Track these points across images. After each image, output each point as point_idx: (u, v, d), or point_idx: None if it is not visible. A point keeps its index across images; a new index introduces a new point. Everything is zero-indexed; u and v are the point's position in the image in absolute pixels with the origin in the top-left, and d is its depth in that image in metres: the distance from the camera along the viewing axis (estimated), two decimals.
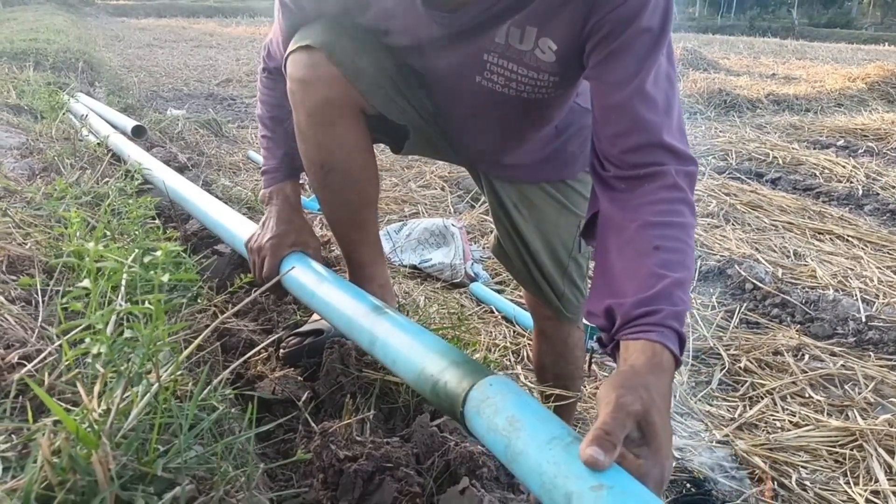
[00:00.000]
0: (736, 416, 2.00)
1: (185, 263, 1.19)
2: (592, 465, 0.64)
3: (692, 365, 2.26)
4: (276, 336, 1.17)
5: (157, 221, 1.68)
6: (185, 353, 0.70)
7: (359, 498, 0.94)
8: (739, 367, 2.23)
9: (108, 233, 1.13)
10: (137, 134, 3.18)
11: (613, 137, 0.97)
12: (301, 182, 1.45)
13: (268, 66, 1.35)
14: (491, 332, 2.43)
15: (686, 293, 0.87)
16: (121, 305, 0.64)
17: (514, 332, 2.44)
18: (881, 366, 2.23)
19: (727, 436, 1.89)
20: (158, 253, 0.64)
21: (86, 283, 0.61)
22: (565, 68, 1.08)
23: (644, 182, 0.93)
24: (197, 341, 0.69)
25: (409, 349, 0.97)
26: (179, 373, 0.74)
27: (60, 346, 0.79)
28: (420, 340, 0.98)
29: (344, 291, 1.15)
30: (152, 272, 0.63)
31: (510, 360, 2.26)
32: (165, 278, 0.62)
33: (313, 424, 1.09)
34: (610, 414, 0.68)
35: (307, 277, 1.23)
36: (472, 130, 1.30)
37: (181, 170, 2.51)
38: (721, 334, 2.44)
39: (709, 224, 3.48)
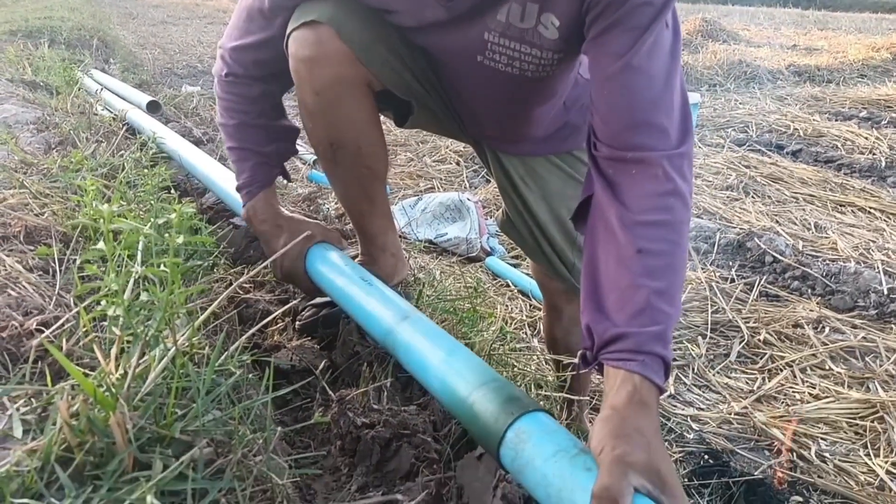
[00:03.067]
0: (755, 388, 1.98)
1: (200, 230, 1.19)
2: None
3: (710, 338, 2.25)
4: (293, 304, 1.17)
5: (173, 194, 1.68)
6: (202, 317, 0.70)
7: (376, 464, 0.94)
8: (759, 340, 2.21)
9: (125, 202, 1.13)
10: (152, 109, 3.18)
11: (606, 113, 0.94)
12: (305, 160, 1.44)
13: (232, 71, 1.28)
14: (507, 306, 2.43)
15: (672, 301, 0.84)
16: (137, 270, 0.63)
17: (530, 305, 2.43)
18: None
19: (745, 408, 1.88)
20: (173, 216, 0.64)
21: (101, 245, 0.61)
22: (568, 45, 1.05)
23: (632, 168, 0.90)
24: (214, 305, 0.69)
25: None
26: (196, 338, 0.74)
27: (78, 313, 0.79)
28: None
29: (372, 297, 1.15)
30: (167, 234, 0.63)
31: (526, 334, 2.25)
32: (180, 240, 0.61)
33: (331, 392, 1.09)
34: (608, 468, 0.67)
35: (335, 278, 1.23)
36: (478, 109, 1.29)
37: (196, 144, 2.51)
38: (740, 307, 2.41)
39: (728, 197, 3.43)
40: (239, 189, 1.35)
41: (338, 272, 1.22)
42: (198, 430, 0.66)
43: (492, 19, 1.05)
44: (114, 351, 0.63)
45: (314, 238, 1.31)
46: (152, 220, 0.67)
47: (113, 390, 0.63)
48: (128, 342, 0.66)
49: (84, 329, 0.77)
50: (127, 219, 0.78)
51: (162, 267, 0.62)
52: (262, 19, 1.21)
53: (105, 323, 0.69)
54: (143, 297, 0.63)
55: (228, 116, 1.31)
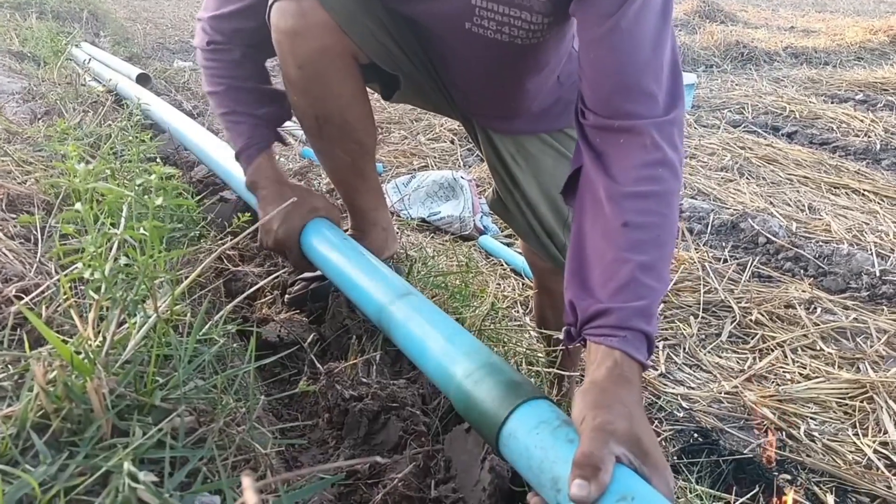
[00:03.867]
0: (745, 367, 1.98)
1: (185, 199, 1.16)
2: (581, 501, 0.60)
3: (702, 317, 2.24)
4: (280, 273, 1.15)
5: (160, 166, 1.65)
6: (186, 282, 0.68)
7: (364, 436, 0.93)
8: (750, 320, 2.21)
9: (109, 171, 1.11)
10: (142, 82, 3.14)
11: (593, 77, 0.91)
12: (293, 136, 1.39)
13: (213, 39, 1.25)
14: (500, 284, 2.42)
15: (658, 276, 0.82)
16: (116, 232, 0.61)
17: (522, 284, 2.42)
18: (894, 319, 2.20)
19: (736, 387, 1.88)
20: (153, 177, 0.62)
21: (78, 206, 0.59)
22: (558, 6, 1.02)
23: (619, 137, 0.87)
24: (198, 270, 0.67)
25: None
26: (178, 305, 0.72)
27: (59, 280, 0.77)
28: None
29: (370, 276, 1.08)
30: (147, 197, 0.61)
31: (518, 312, 2.24)
32: (160, 201, 0.59)
33: (319, 365, 1.08)
34: (588, 436, 0.66)
35: (331, 253, 1.16)
36: (467, 81, 1.25)
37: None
38: (733, 287, 2.41)
39: (723, 178, 3.42)
40: (238, 154, 1.30)
41: (335, 249, 1.16)
42: (179, 398, 0.64)
43: None
44: (91, 316, 0.61)
45: (318, 211, 1.25)
46: (132, 182, 0.65)
47: (91, 356, 0.61)
48: (107, 308, 0.64)
49: (64, 295, 0.75)
50: (108, 182, 0.75)
51: (142, 231, 0.60)
52: None
53: (86, 288, 0.67)
54: (122, 260, 0.61)
55: (216, 83, 1.28)
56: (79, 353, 0.63)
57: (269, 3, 1.11)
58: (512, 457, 0.72)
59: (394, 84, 1.21)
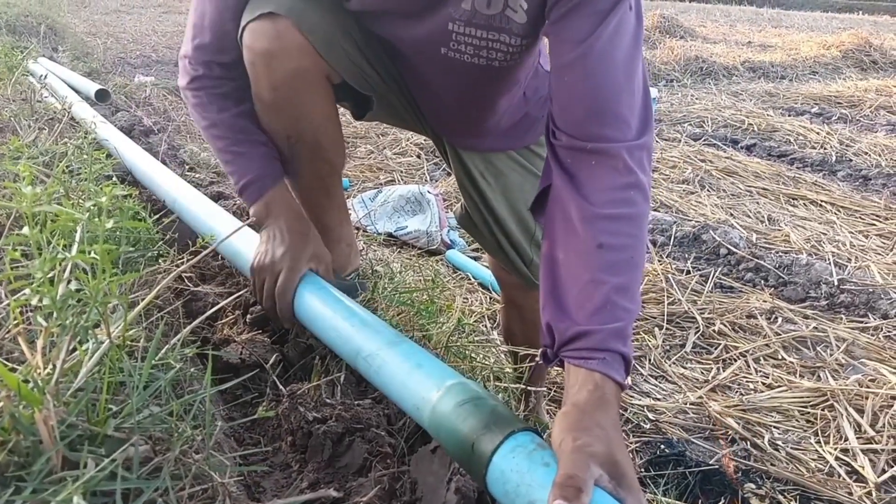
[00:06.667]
0: (710, 378, 2.00)
1: (140, 220, 1.14)
2: None
3: (667, 329, 2.27)
4: (241, 293, 1.13)
5: (118, 184, 1.61)
6: (140, 307, 0.66)
7: (328, 459, 0.91)
8: (713, 331, 2.24)
9: (63, 190, 1.08)
10: (101, 98, 3.08)
11: (566, 101, 0.92)
12: None
13: (198, 74, 1.16)
14: (467, 299, 2.41)
15: (632, 297, 0.83)
16: (65, 256, 0.59)
17: (490, 298, 2.42)
18: (852, 328, 2.25)
19: (701, 398, 1.90)
20: (103, 199, 0.60)
21: (25, 230, 0.57)
22: (535, 28, 1.03)
23: (591, 159, 0.88)
24: (153, 294, 0.65)
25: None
26: (133, 330, 0.70)
27: (7, 306, 0.75)
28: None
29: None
30: (97, 220, 0.59)
31: (486, 327, 2.24)
32: (110, 224, 0.58)
33: (281, 387, 1.06)
34: (569, 458, 0.66)
35: (322, 310, 1.04)
36: (441, 103, 1.25)
37: (146, 133, 2.43)
38: (696, 298, 2.44)
39: (684, 190, 3.47)
40: (244, 188, 1.16)
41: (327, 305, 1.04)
42: (133, 427, 0.62)
43: (455, 8, 1.01)
44: (39, 343, 0.59)
45: (317, 260, 1.14)
46: (83, 204, 0.63)
47: (40, 385, 0.59)
48: (57, 335, 0.62)
49: (14, 321, 0.72)
50: (62, 205, 0.73)
51: (92, 254, 0.59)
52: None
53: (33, 315, 0.65)
54: (73, 285, 0.59)
55: (208, 117, 1.17)
56: (27, 381, 0.60)
57: (242, 24, 1.09)
58: (488, 482, 0.71)
59: (366, 104, 1.21)
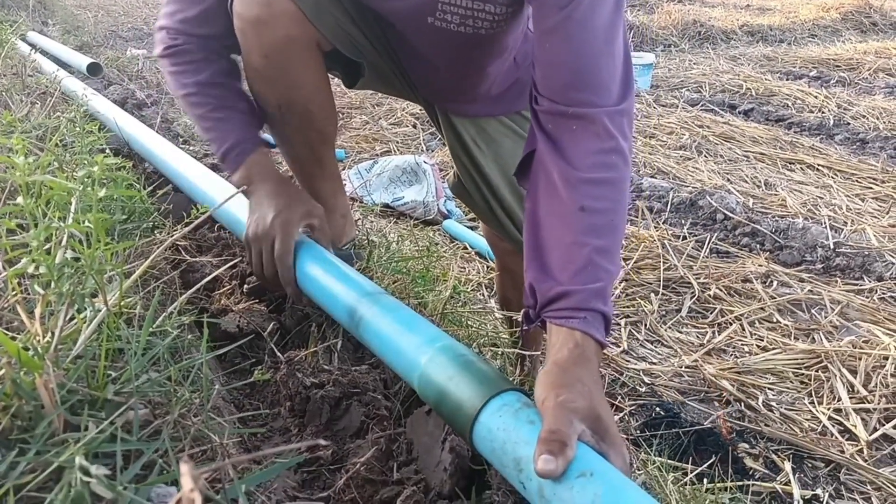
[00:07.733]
0: (705, 341, 2.03)
1: (134, 190, 1.14)
2: (548, 475, 0.62)
3: (663, 294, 2.28)
4: (236, 261, 1.14)
5: (112, 157, 1.61)
6: (135, 275, 0.67)
7: (326, 422, 0.93)
8: (709, 295, 2.26)
9: (57, 163, 1.08)
10: (93, 72, 3.06)
11: (547, 67, 0.93)
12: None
13: (174, 43, 1.16)
14: (464, 268, 2.43)
15: (612, 259, 0.85)
16: (60, 225, 0.60)
17: (487, 267, 2.44)
18: (847, 290, 2.27)
19: (696, 361, 1.92)
20: (95, 168, 0.61)
21: (20, 200, 0.58)
22: None
23: (573, 124, 0.89)
24: (147, 262, 0.66)
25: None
26: (130, 299, 0.71)
27: (5, 276, 0.76)
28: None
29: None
30: (90, 189, 0.60)
31: (483, 295, 2.26)
32: (102, 193, 0.58)
33: (279, 354, 1.07)
34: (552, 413, 0.67)
35: (320, 273, 1.04)
36: (430, 70, 1.26)
37: (139, 106, 2.41)
38: (692, 263, 2.45)
39: (681, 156, 3.47)
40: (226, 154, 1.16)
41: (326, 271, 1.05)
42: (132, 391, 0.64)
43: None
44: (38, 311, 0.60)
45: (312, 217, 1.14)
46: (76, 174, 0.64)
47: (40, 352, 0.60)
48: (54, 303, 0.63)
49: (12, 291, 0.73)
50: (56, 176, 0.74)
51: (87, 223, 0.59)
52: None
53: (31, 284, 0.66)
54: (68, 254, 0.60)
55: (187, 84, 1.17)
56: (27, 349, 0.62)
57: None
58: (476, 440, 0.73)
59: (357, 72, 1.21)
